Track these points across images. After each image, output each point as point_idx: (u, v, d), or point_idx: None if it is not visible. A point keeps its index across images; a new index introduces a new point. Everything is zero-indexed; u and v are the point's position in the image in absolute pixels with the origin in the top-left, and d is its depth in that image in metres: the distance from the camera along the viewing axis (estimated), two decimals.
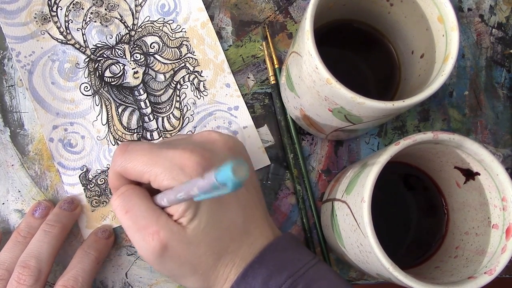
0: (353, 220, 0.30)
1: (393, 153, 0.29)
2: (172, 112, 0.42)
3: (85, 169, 0.41)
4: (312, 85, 0.30)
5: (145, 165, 0.30)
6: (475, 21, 0.44)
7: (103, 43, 0.42)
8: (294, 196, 0.41)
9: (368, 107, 0.28)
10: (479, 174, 0.31)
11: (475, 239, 0.32)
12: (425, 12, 0.32)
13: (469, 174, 0.32)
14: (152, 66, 0.42)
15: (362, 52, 0.38)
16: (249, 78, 0.42)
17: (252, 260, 0.32)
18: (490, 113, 0.43)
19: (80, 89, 0.42)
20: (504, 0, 0.45)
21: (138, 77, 0.42)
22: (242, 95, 0.42)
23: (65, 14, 0.42)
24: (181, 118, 0.42)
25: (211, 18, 0.43)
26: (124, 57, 0.42)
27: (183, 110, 0.42)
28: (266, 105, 0.42)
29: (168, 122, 0.42)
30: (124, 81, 0.42)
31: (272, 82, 0.41)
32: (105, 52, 0.42)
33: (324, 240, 0.40)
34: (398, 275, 0.27)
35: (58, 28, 0.42)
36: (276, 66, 0.42)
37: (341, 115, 0.31)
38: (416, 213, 0.37)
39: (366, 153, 0.42)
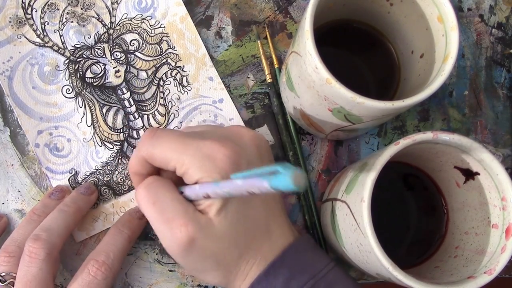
0: (352, 220, 0.30)
1: (393, 153, 0.29)
2: (157, 109, 0.41)
3: (73, 172, 0.41)
4: (312, 85, 0.30)
5: (173, 152, 0.30)
6: (475, 21, 0.44)
7: (81, 44, 0.42)
8: (294, 195, 0.41)
9: (368, 107, 0.28)
10: (478, 174, 0.31)
11: (474, 239, 0.32)
12: (425, 12, 0.32)
13: (469, 174, 0.32)
14: (133, 63, 0.42)
15: (362, 52, 0.38)
16: (249, 78, 0.42)
17: (274, 259, 0.32)
18: (490, 113, 0.43)
19: (62, 91, 0.41)
20: (504, 0, 0.44)
21: (120, 75, 0.41)
22: (241, 95, 0.42)
23: (41, 16, 0.41)
24: (167, 115, 0.42)
25: (211, 18, 0.43)
26: (104, 56, 0.41)
27: (167, 106, 0.42)
28: (266, 105, 0.42)
29: (154, 119, 0.41)
30: (106, 81, 0.41)
31: (269, 81, 0.41)
32: (84, 53, 0.42)
33: (324, 240, 0.40)
34: (398, 275, 0.27)
35: (35, 30, 0.41)
36: (276, 66, 0.42)
37: (341, 115, 0.31)
38: (416, 213, 0.37)
39: (366, 153, 0.42)
